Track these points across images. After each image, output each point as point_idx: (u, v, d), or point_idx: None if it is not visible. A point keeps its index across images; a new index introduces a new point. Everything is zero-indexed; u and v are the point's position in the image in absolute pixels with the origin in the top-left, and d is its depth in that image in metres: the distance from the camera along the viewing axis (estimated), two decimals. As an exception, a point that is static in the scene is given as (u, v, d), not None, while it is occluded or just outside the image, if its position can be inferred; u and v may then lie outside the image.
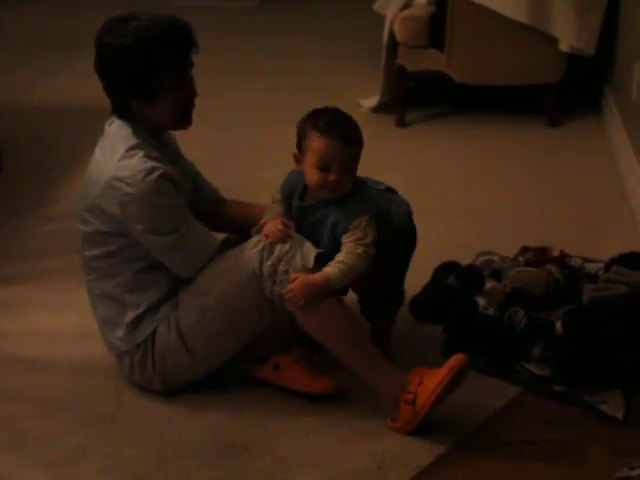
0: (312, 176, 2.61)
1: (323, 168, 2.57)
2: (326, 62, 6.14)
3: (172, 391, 2.81)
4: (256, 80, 5.78)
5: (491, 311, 3.09)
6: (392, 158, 4.52)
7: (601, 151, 4.64)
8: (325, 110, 2.63)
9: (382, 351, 2.72)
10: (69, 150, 4.66)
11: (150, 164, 2.61)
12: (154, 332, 2.74)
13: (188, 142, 3.03)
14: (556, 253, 3.38)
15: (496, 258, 3.40)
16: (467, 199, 4.17)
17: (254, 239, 2.68)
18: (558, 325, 2.94)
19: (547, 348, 2.85)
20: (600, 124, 4.98)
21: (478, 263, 3.39)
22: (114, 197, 2.62)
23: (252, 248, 2.66)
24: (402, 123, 5.06)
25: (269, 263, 2.62)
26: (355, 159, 2.62)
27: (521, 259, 3.35)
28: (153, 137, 2.72)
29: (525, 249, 3.43)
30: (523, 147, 4.79)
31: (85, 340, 3.03)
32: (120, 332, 2.77)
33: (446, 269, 3.30)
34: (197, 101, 2.74)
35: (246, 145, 4.78)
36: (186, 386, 2.81)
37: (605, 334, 2.80)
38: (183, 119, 2.73)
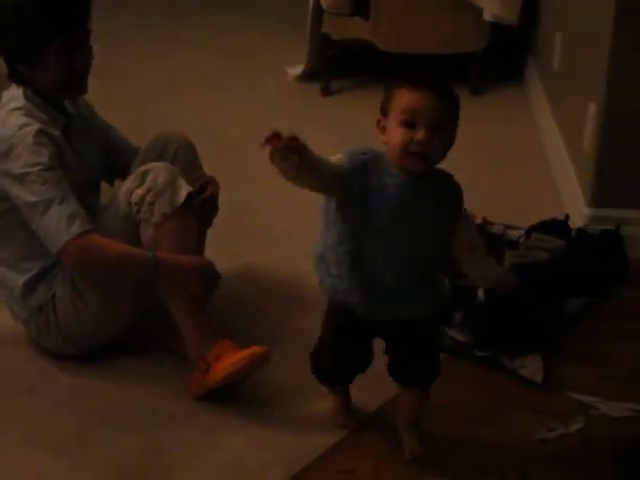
0: (395, 137, 2.12)
1: (409, 123, 2.10)
2: (253, 29, 6.09)
3: (91, 359, 2.81)
4: (182, 49, 5.70)
5: (414, 278, 3.12)
6: (316, 127, 4.51)
7: (524, 120, 4.68)
8: (421, 69, 2.48)
9: (410, 424, 2.49)
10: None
11: (26, 120, 2.64)
12: (53, 297, 2.76)
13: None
14: (478, 220, 3.42)
15: (420, 226, 3.42)
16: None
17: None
18: (479, 292, 2.98)
19: (468, 314, 2.89)
20: (523, 93, 5.02)
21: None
22: None
23: (128, 182, 2.73)
24: (327, 91, 5.06)
25: (138, 191, 2.67)
26: (450, 120, 2.16)
27: (444, 227, 3.38)
28: (48, 101, 2.72)
29: (448, 217, 3.46)
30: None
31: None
32: (17, 299, 2.80)
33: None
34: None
35: (157, 112, 4.69)
36: (102, 351, 2.82)
37: (525, 300, 2.85)
38: (71, 86, 2.73)
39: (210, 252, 3.00)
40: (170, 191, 2.68)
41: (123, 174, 2.96)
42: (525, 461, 2.40)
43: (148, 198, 2.67)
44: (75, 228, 2.60)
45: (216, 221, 2.99)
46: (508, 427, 2.55)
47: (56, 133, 2.71)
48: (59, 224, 2.60)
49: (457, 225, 2.24)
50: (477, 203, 3.69)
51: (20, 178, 2.62)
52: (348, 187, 2.12)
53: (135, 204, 2.68)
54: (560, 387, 2.71)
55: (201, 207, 2.85)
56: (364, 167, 2.12)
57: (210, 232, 3.02)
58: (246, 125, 4.43)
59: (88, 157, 2.87)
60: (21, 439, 2.52)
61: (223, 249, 3.18)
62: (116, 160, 3.02)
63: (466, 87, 5.02)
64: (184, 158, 2.94)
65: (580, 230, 3.33)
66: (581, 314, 3.03)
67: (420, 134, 2.08)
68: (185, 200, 2.68)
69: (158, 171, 2.72)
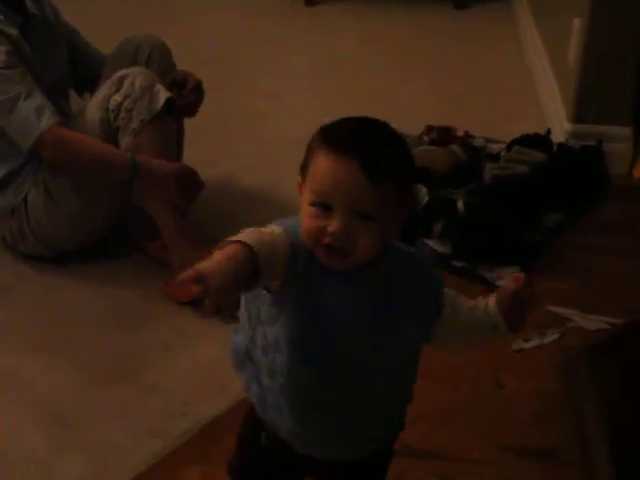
0: (305, 220, 1.34)
1: (322, 204, 1.33)
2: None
3: (68, 262, 2.81)
4: None
5: (394, 189, 3.10)
6: (298, 38, 4.46)
7: (508, 35, 4.66)
8: (352, 118, 1.38)
9: None
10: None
11: None
12: (26, 200, 2.74)
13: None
14: (460, 133, 3.41)
15: (401, 136, 3.40)
16: (372, 80, 4.15)
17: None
18: (459, 203, 2.97)
19: (448, 225, 2.88)
20: (508, 8, 4.99)
21: (382, 141, 3.38)
22: None
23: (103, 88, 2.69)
24: (311, 1, 4.99)
25: (115, 97, 2.64)
26: (386, 206, 1.33)
27: (425, 138, 3.37)
28: (5, 1, 2.67)
29: (430, 129, 3.44)
30: (430, 29, 4.77)
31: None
32: None
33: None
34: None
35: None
36: (78, 254, 2.82)
37: (504, 212, 2.84)
38: None
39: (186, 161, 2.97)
40: (148, 97, 2.64)
41: (91, 83, 2.92)
42: (500, 369, 2.41)
43: (126, 104, 2.63)
44: (45, 120, 2.56)
45: (192, 128, 2.96)
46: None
47: (12, 31, 2.65)
48: (28, 118, 2.56)
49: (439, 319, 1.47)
50: (460, 117, 3.71)
51: None
52: (286, 281, 1.34)
53: (112, 111, 2.64)
54: (537, 299, 2.70)
55: (191, 96, 2.81)
56: (303, 243, 1.35)
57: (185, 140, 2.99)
58: (229, 34, 4.37)
59: (52, 59, 2.82)
60: (-4, 336, 2.52)
61: (198, 158, 3.15)
62: (83, 65, 2.98)
63: (450, 1, 4.98)
64: (159, 61, 2.89)
65: (561, 145, 3.32)
66: (560, 228, 3.03)
67: (334, 224, 1.31)
68: (163, 106, 2.64)
69: (135, 76, 2.67)
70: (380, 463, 1.59)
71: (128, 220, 2.89)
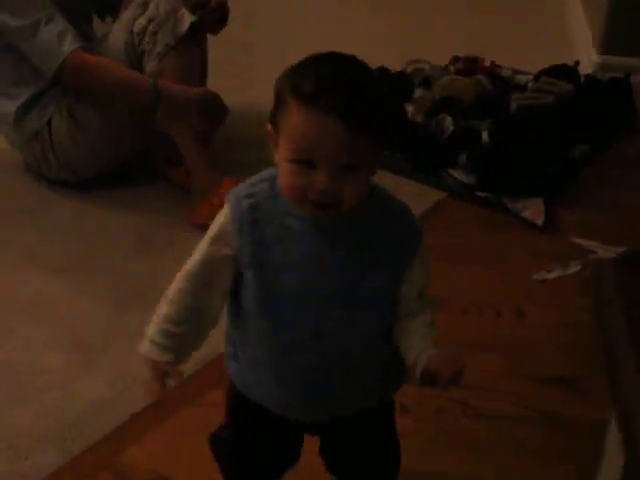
0: (285, 177, 1.27)
1: (306, 161, 1.24)
2: None
3: (86, 186, 2.82)
4: None
5: (419, 119, 3.08)
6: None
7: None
8: (319, 60, 1.27)
9: None
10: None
11: None
12: (49, 125, 2.74)
13: None
14: (487, 63, 3.37)
15: (426, 66, 3.37)
16: (400, 9, 4.10)
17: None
18: (485, 134, 2.94)
19: (472, 156, 2.86)
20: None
21: (408, 71, 3.35)
22: None
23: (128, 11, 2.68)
24: None
25: (140, 21, 2.63)
26: (370, 151, 1.26)
27: (452, 68, 3.33)
28: None
29: (456, 59, 3.40)
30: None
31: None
32: (11, 126, 2.78)
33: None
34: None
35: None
36: (101, 180, 2.83)
37: (529, 143, 2.82)
38: None
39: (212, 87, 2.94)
40: (172, 20, 2.62)
41: (113, 8, 2.90)
42: (522, 299, 2.41)
43: (150, 28, 2.61)
44: (67, 44, 2.56)
45: (218, 56, 2.93)
46: (507, 267, 2.55)
47: None
48: (50, 43, 2.56)
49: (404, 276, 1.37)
50: (487, 47, 3.66)
51: (2, 3, 2.57)
52: (240, 251, 1.33)
53: (137, 34, 2.62)
54: (560, 231, 2.70)
55: (213, 15, 2.79)
56: (252, 215, 1.32)
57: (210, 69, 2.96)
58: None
59: None
60: (20, 259, 2.53)
61: (223, 84, 3.13)
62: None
63: None
64: None
65: (589, 77, 3.28)
66: (585, 160, 3.00)
67: (320, 180, 1.24)
68: (188, 30, 2.62)
69: (159, 0, 2.64)
70: (376, 418, 1.52)
71: (152, 146, 2.88)
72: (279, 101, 1.25)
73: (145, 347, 1.37)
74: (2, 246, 2.58)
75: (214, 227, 1.36)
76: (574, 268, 2.54)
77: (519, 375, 2.13)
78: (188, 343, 1.38)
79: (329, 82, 1.21)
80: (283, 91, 1.25)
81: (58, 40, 2.56)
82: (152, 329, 1.37)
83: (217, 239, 1.35)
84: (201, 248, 1.37)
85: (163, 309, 1.38)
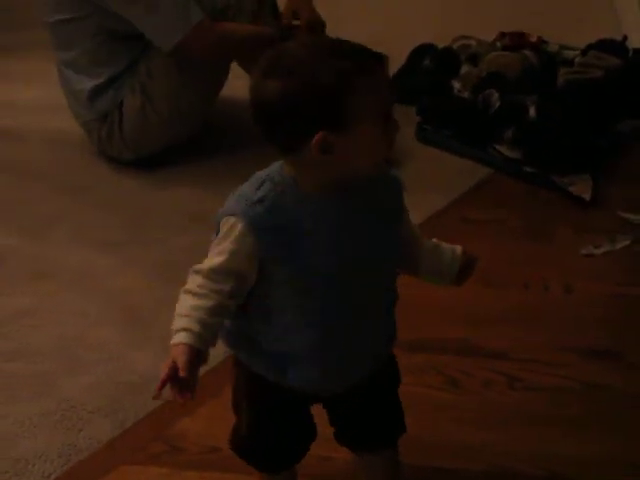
0: (376, 143, 1.33)
1: (386, 115, 1.33)
2: None
3: (142, 164, 2.85)
4: None
5: (466, 94, 3.08)
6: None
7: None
8: (340, 41, 1.35)
9: None
10: None
11: None
12: (121, 105, 2.77)
13: None
14: (533, 39, 3.35)
15: (473, 42, 3.36)
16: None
17: None
18: (532, 110, 2.93)
19: (519, 131, 2.85)
20: None
21: (455, 47, 3.35)
22: None
23: None
24: None
25: None
26: None
27: (498, 44, 3.32)
28: None
29: (502, 34, 3.38)
30: None
31: (60, 113, 3.00)
32: (82, 102, 2.81)
33: (422, 51, 3.27)
34: None
35: None
36: (160, 156, 2.86)
37: (576, 117, 2.81)
38: None
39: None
40: None
41: None
42: (570, 274, 2.41)
43: None
44: (194, 15, 2.62)
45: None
46: (554, 242, 2.55)
47: None
48: (174, 15, 2.61)
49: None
50: (533, 22, 3.63)
51: None
52: (266, 253, 1.36)
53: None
54: (608, 206, 2.69)
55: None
56: (271, 216, 1.34)
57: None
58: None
59: None
60: (72, 234, 2.58)
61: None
62: None
63: None
64: None
65: (637, 51, 3.24)
66: (634, 135, 2.98)
67: (396, 122, 1.35)
68: None
69: None
70: (385, 378, 1.59)
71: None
72: (339, 93, 1.27)
73: (181, 337, 1.36)
74: (56, 221, 2.62)
75: (228, 244, 1.37)
76: (622, 243, 2.53)
77: (566, 349, 2.13)
78: (215, 336, 1.38)
79: (362, 47, 1.33)
80: (344, 82, 1.28)
81: (182, 12, 2.61)
82: (185, 320, 1.36)
83: (236, 253, 1.36)
84: (219, 258, 1.39)
85: (191, 302, 1.38)
